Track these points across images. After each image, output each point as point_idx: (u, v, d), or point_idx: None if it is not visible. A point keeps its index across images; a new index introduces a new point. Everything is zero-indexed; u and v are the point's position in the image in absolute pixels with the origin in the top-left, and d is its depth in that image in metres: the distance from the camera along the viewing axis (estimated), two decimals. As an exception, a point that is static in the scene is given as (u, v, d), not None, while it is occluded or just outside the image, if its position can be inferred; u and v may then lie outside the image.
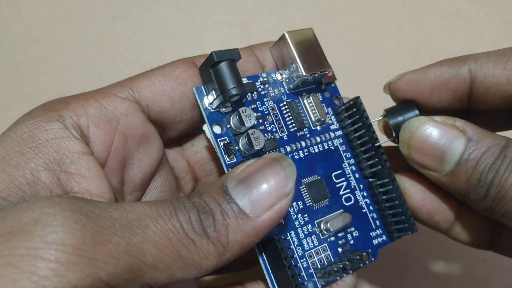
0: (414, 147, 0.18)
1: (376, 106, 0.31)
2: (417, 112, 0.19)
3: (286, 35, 0.20)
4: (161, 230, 0.13)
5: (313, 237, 0.19)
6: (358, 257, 0.18)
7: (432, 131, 0.17)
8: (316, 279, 0.18)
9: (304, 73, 0.19)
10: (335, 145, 0.21)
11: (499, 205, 0.16)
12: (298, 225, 0.18)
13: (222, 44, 0.32)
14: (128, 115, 0.17)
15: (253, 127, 0.18)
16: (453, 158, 0.17)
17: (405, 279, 0.29)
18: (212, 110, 0.17)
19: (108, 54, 0.32)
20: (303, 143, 0.20)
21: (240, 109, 0.17)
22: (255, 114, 0.18)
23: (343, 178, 0.21)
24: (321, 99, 0.21)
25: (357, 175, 0.21)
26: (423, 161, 0.18)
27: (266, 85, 0.20)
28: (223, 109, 0.17)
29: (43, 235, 0.11)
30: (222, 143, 0.17)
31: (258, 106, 0.19)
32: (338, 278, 0.18)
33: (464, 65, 0.18)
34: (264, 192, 0.14)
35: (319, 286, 0.18)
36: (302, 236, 0.18)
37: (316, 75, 0.19)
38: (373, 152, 0.20)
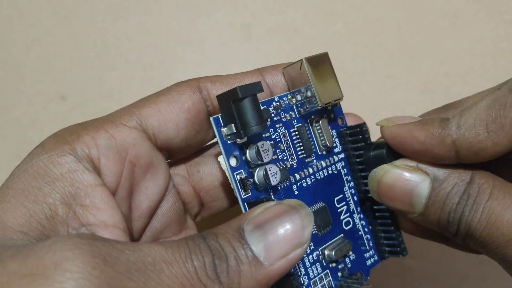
0: (383, 195, 0.18)
1: (376, 106, 0.31)
2: (383, 152, 0.19)
3: (304, 62, 0.19)
4: (176, 275, 0.13)
5: (318, 264, 0.19)
6: (355, 282, 0.19)
7: (396, 177, 0.18)
8: None
9: (320, 104, 0.19)
10: (338, 169, 0.21)
11: (471, 243, 0.17)
12: (305, 254, 0.19)
13: (222, 44, 0.33)
14: (136, 145, 0.17)
15: (269, 161, 0.18)
16: (421, 201, 0.17)
17: (404, 280, 0.29)
18: (228, 142, 0.17)
19: (108, 54, 0.32)
20: (310, 170, 0.20)
21: (259, 144, 0.17)
22: (272, 149, 0.18)
23: (344, 202, 0.21)
24: (327, 122, 0.21)
25: (355, 198, 0.21)
26: (395, 206, 0.18)
27: (279, 110, 0.19)
28: (239, 140, 0.17)
29: (63, 280, 0.12)
30: (238, 177, 0.17)
31: (271, 133, 0.19)
32: None
33: (446, 132, 0.16)
34: (280, 241, 0.14)
35: None
36: (308, 265, 0.19)
37: (330, 103, 0.19)
38: None
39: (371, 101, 0.32)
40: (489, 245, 0.16)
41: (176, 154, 0.19)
